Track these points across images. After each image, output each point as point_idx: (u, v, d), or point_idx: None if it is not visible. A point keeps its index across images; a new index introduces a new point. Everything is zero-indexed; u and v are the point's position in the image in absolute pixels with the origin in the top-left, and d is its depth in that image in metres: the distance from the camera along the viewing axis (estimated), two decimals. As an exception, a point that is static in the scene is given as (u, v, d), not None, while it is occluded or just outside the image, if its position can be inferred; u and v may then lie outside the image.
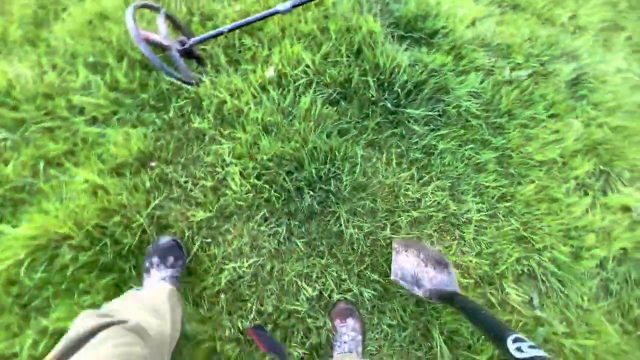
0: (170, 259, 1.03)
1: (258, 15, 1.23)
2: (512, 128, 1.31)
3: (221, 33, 1.24)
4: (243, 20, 1.23)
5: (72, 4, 1.38)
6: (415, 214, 1.17)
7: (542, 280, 1.17)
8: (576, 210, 1.24)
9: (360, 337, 1.03)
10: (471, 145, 1.27)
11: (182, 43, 1.22)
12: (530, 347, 0.58)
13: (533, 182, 1.26)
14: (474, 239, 1.18)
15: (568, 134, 1.32)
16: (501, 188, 1.24)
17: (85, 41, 1.27)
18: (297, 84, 1.26)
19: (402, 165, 1.24)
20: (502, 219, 1.21)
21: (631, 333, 1.15)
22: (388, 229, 1.15)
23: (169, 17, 1.25)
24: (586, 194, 1.29)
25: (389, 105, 1.24)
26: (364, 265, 1.12)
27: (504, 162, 1.28)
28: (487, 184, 1.24)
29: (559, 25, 1.65)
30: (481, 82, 1.34)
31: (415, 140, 1.25)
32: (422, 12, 1.39)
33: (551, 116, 1.34)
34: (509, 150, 1.28)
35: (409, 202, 1.19)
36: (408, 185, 1.21)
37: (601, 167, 1.32)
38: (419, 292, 1.00)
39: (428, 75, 1.26)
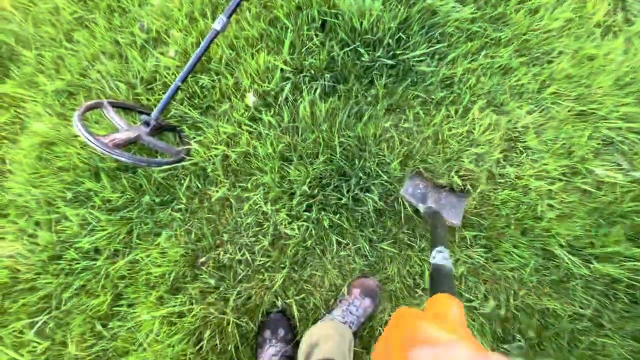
0: (281, 332, 0.97)
1: (199, 48, 1.05)
2: (512, 11, 1.17)
3: (177, 89, 1.07)
4: (189, 63, 1.06)
5: (7, 152, 1.18)
6: (473, 149, 1.08)
7: (621, 142, 1.11)
8: (616, 56, 1.14)
9: (363, 320, 1.00)
10: (484, 52, 1.14)
11: (147, 123, 1.05)
12: (444, 257, 0.77)
13: (562, 52, 1.15)
14: (539, 141, 1.09)
15: (569, -17, 1.18)
16: (536, 77, 1.13)
17: (49, 181, 1.10)
18: (284, 94, 1.11)
19: (431, 112, 1.12)
20: (554, 107, 1.12)
21: None
22: (456, 178, 1.06)
23: (116, 105, 1.07)
24: (615, 35, 1.19)
25: (387, 60, 1.10)
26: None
27: (524, 50, 1.16)
28: (520, 82, 1.13)
29: None
30: (457, -18, 1.18)
31: (430, 79, 1.12)
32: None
33: (543, -25, 1.20)
34: (522, 35, 1.16)
35: (461, 140, 1.08)
36: (449, 126, 1.10)
37: (614, -2, 1.20)
38: (421, 207, 1.03)
39: (407, 8, 1.10)
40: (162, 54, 1.19)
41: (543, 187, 1.07)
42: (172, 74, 1.17)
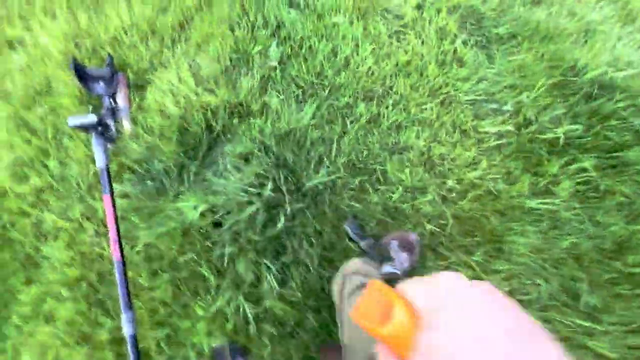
0: (239, 358, 0.95)
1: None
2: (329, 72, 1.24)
3: None
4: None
5: None
6: (419, 199, 1.12)
7: (477, 96, 1.28)
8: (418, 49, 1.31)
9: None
10: (349, 122, 1.20)
11: None
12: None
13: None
14: (443, 147, 1.19)
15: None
16: (394, 106, 1.23)
17: None
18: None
19: (366, 195, 1.12)
20: (422, 115, 1.23)
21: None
22: (426, 223, 1.09)
23: None
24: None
25: (298, 205, 1.05)
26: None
27: (367, 94, 1.25)
28: (391, 118, 1.21)
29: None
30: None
31: (336, 181, 1.12)
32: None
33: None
34: (356, 86, 1.24)
35: (404, 197, 1.12)
36: (388, 196, 1.12)
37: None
38: (362, 242, 1.04)
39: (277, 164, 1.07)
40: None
41: (473, 173, 1.17)
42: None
